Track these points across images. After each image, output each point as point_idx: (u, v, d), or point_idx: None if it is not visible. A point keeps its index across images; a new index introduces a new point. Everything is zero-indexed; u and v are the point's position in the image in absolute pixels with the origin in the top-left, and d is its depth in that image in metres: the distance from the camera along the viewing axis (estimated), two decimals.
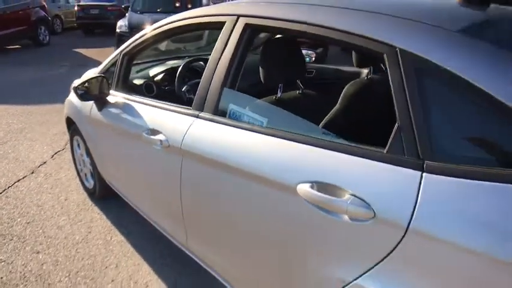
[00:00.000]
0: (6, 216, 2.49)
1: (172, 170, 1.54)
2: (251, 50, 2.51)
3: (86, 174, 2.73)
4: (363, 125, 1.31)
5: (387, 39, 1.00)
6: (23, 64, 7.52)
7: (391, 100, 0.97)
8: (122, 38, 6.44)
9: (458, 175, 0.83)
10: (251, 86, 1.83)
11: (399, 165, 0.91)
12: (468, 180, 0.82)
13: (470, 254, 0.79)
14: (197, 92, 1.51)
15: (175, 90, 2.37)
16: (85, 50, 9.21)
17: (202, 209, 1.50)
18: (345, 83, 1.65)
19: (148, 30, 1.91)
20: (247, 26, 1.40)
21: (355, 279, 0.98)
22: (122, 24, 7.63)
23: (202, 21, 1.64)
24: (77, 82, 2.14)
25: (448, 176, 0.84)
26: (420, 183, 0.87)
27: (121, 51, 2.09)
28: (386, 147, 0.95)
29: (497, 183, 0.79)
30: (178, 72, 2.40)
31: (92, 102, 2.14)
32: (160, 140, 1.56)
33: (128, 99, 1.92)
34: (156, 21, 1.91)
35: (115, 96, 2.03)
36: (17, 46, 9.59)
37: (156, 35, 1.88)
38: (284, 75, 1.60)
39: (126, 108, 1.90)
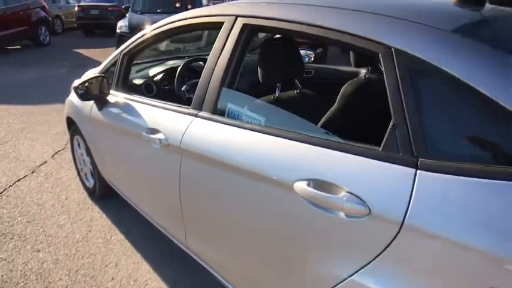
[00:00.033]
0: (7, 215, 2.51)
1: (172, 169, 1.56)
2: (250, 50, 2.53)
3: (86, 174, 2.74)
4: (361, 124, 1.32)
5: (383, 39, 1.02)
6: (24, 64, 7.54)
7: (388, 99, 0.98)
8: (122, 39, 6.44)
9: (451, 172, 0.85)
10: (250, 86, 1.85)
11: (394, 163, 0.93)
12: (461, 177, 0.83)
13: (464, 250, 0.81)
14: (196, 91, 1.53)
15: (175, 90, 2.39)
16: (85, 51, 9.23)
17: (201, 206, 1.52)
18: (343, 83, 1.66)
19: (148, 30, 1.93)
20: (245, 26, 1.42)
21: (350, 276, 1.00)
22: (122, 25, 7.64)
23: (201, 21, 1.66)
24: (77, 82, 2.15)
25: (442, 173, 0.86)
26: (414, 180, 0.88)
27: (121, 51, 2.10)
28: (381, 145, 0.97)
29: (490, 180, 0.80)
30: (177, 72, 2.41)
31: (92, 102, 2.16)
32: (160, 139, 1.58)
33: (128, 99, 1.94)
34: (156, 22, 1.92)
35: (115, 96, 2.04)
36: (18, 46, 9.61)
37: (155, 35, 1.90)
38: (282, 74, 1.61)
39: (126, 107, 1.91)
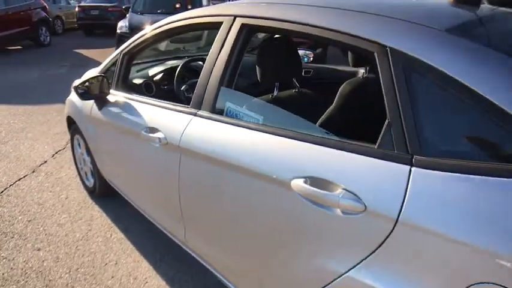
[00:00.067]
0: (8, 214, 2.53)
1: (171, 167, 1.57)
2: (249, 50, 2.55)
3: (86, 173, 2.76)
4: (359, 123, 1.34)
5: (378, 39, 1.03)
6: (24, 65, 7.56)
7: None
8: (122, 39, 6.45)
9: (445, 169, 0.86)
10: (249, 85, 1.86)
11: (389, 160, 0.94)
12: (455, 174, 0.85)
13: (458, 245, 0.82)
14: (195, 90, 1.54)
15: (174, 89, 2.40)
16: (85, 51, 9.24)
17: (200, 205, 1.53)
18: (341, 83, 1.67)
19: (148, 30, 1.95)
20: (243, 26, 1.43)
21: (347, 271, 1.01)
22: (122, 25, 7.66)
23: (200, 21, 1.67)
24: (77, 82, 2.17)
25: (436, 170, 0.87)
26: (409, 177, 0.90)
27: (121, 51, 2.12)
28: (377, 143, 0.98)
29: (483, 177, 0.81)
30: (177, 72, 2.43)
31: (92, 101, 2.18)
32: (159, 138, 1.59)
33: (128, 99, 1.95)
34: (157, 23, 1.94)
35: (115, 96, 2.06)
36: (18, 47, 9.63)
37: (155, 35, 1.91)
38: (280, 74, 1.63)
39: (126, 107, 1.93)
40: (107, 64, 2.27)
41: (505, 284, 0.76)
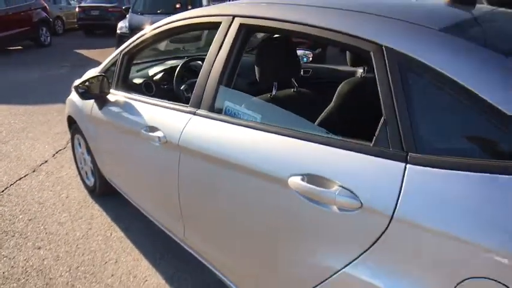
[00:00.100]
0: (8, 213, 2.54)
1: (170, 166, 1.58)
2: (248, 50, 2.56)
3: (86, 172, 2.77)
4: (357, 122, 1.35)
5: (374, 38, 1.05)
6: (25, 65, 7.58)
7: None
8: (122, 39, 6.45)
9: (440, 166, 0.87)
10: (248, 85, 1.88)
11: (384, 158, 0.95)
12: (449, 171, 0.86)
13: (454, 241, 0.83)
14: (194, 90, 1.56)
15: (174, 89, 2.42)
16: (86, 51, 9.26)
17: (199, 203, 1.54)
18: (340, 82, 1.69)
19: (148, 30, 1.96)
20: (242, 26, 1.44)
21: (343, 268, 1.02)
22: (122, 26, 7.67)
23: (199, 21, 1.69)
24: (78, 81, 2.18)
25: (431, 167, 0.88)
26: (404, 174, 0.91)
27: (121, 51, 2.13)
28: (373, 141, 1.00)
29: (478, 174, 0.83)
30: (176, 72, 2.44)
31: (92, 101, 2.19)
32: (159, 137, 1.61)
33: (128, 98, 1.96)
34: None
35: (115, 95, 2.07)
36: (19, 47, 9.65)
37: (155, 35, 1.92)
38: (279, 74, 1.64)
39: (126, 106, 1.94)
40: (107, 64, 2.28)
41: (497, 278, 0.78)
